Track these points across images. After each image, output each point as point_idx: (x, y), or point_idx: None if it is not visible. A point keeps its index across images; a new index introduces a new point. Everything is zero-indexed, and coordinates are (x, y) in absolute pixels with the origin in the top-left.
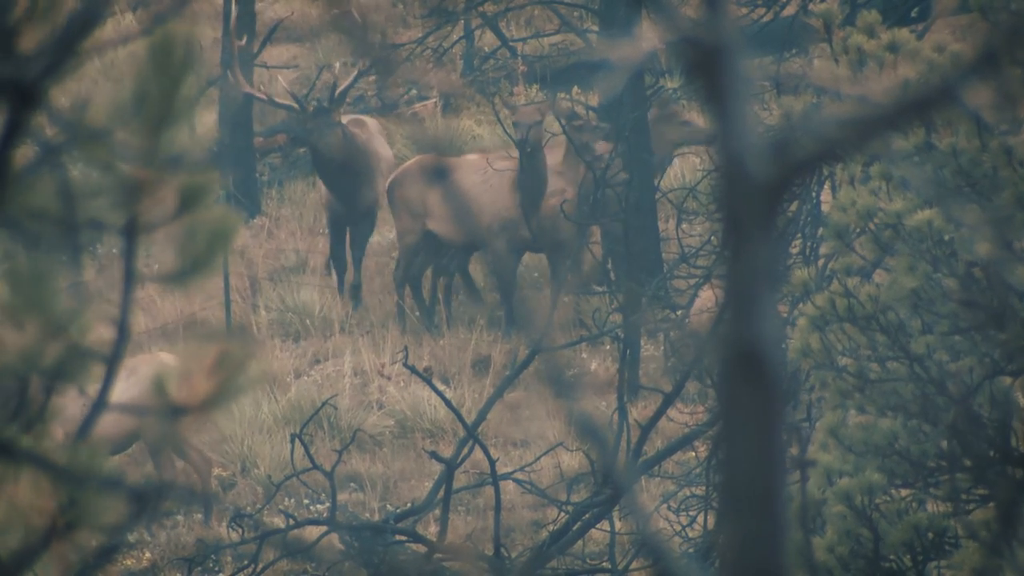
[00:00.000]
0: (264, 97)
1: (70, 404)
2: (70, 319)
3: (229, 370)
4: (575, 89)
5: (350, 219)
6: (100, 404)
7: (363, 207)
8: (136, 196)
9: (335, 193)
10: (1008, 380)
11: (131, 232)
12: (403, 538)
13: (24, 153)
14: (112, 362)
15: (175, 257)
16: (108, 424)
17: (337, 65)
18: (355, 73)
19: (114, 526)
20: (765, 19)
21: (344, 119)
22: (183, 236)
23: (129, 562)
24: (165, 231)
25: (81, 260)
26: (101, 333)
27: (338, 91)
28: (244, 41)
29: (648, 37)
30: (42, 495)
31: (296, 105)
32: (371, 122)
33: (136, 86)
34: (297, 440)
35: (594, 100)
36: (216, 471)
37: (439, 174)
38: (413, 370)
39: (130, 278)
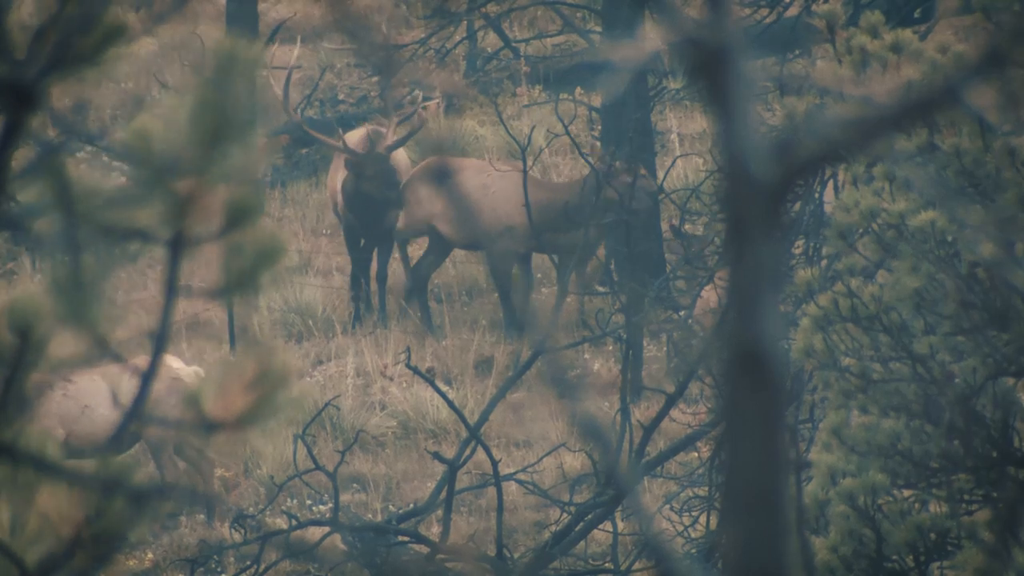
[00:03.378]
0: (327, 140)
1: (68, 404)
2: (100, 322)
3: (268, 388)
4: (578, 90)
5: (369, 239)
6: (134, 413)
7: (386, 228)
8: (184, 210)
9: (361, 220)
10: (1011, 381)
11: (177, 246)
12: (406, 539)
13: (24, 154)
14: (148, 373)
15: (219, 273)
16: (109, 424)
17: (339, 66)
18: (420, 119)
19: (122, 528)
20: (768, 20)
21: (365, 129)
22: (229, 253)
23: (132, 563)
24: (211, 246)
25: (99, 263)
26: (115, 336)
27: (395, 139)
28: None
29: (651, 38)
30: (69, 505)
31: (367, 146)
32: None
33: (195, 99)
34: (300, 441)
35: (597, 101)
36: (219, 472)
37: (449, 175)
38: (416, 371)
39: (171, 290)
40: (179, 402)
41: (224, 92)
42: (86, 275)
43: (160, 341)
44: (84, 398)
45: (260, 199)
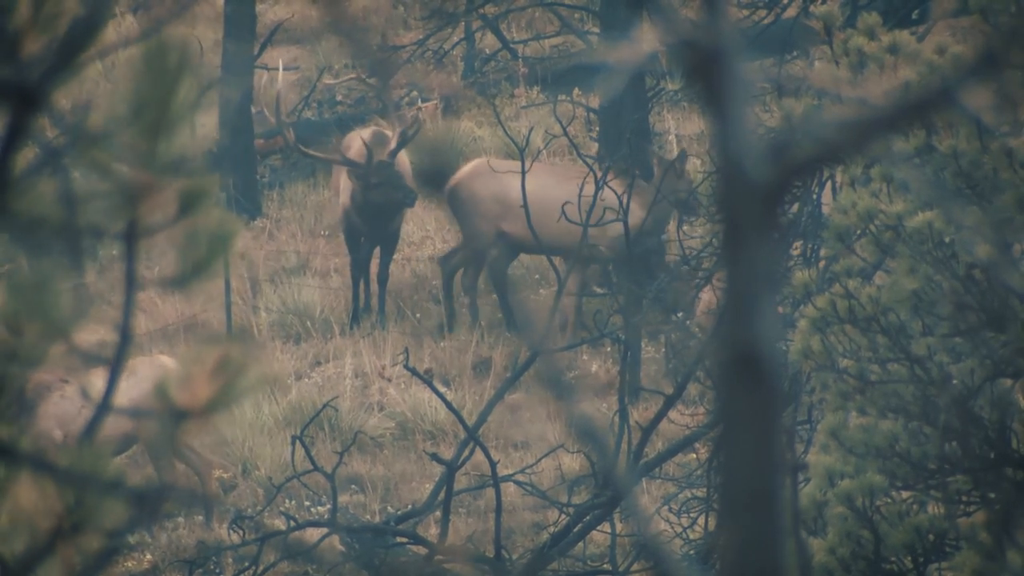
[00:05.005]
0: (324, 156)
1: (65, 404)
2: (71, 322)
3: (231, 374)
4: (576, 91)
5: (373, 239)
6: (104, 408)
7: (391, 229)
8: (135, 200)
9: (367, 224)
10: (1008, 382)
11: (131, 237)
12: (404, 540)
13: (25, 156)
14: (115, 366)
15: (176, 261)
16: (107, 426)
17: (337, 67)
18: (414, 120)
19: (118, 528)
20: (766, 21)
21: (365, 132)
22: (184, 240)
23: (130, 564)
24: (165, 235)
25: (82, 263)
26: (101, 335)
27: (396, 144)
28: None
29: (648, 39)
30: (47, 498)
31: (363, 158)
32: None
33: (133, 90)
34: (298, 442)
35: (595, 102)
36: (217, 473)
37: (512, 175)
38: (414, 372)
39: (131, 283)
40: (154, 393)
41: (156, 81)
42: (52, 275)
43: (124, 333)
44: (81, 399)
45: (210, 184)
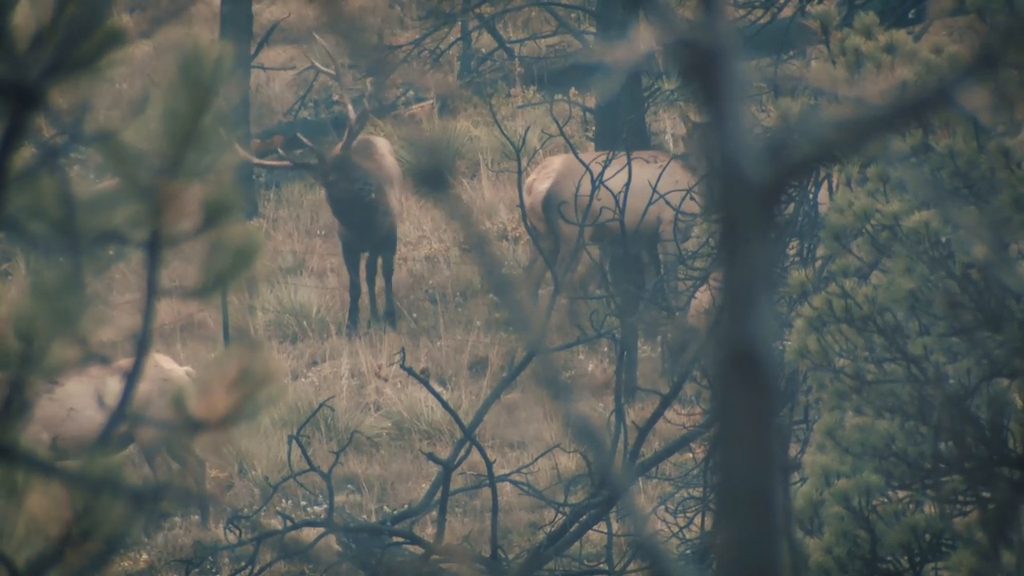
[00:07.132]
0: (277, 163)
1: (53, 407)
2: (85, 324)
3: (250, 387)
4: (572, 91)
5: (366, 248)
6: (120, 414)
7: (380, 235)
8: (160, 210)
9: (351, 229)
10: (1005, 382)
11: (154, 246)
12: (400, 540)
13: (24, 156)
14: (132, 373)
15: (199, 272)
16: (95, 426)
17: (334, 66)
18: (361, 112)
19: (120, 530)
20: (763, 21)
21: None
22: (207, 252)
23: (126, 564)
24: (189, 246)
25: (82, 265)
26: (102, 338)
27: (346, 138)
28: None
29: (645, 39)
30: (58, 504)
31: (315, 159)
32: (381, 143)
33: (165, 100)
34: (294, 442)
35: (591, 102)
36: (213, 473)
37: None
38: (410, 372)
39: (152, 291)
40: (168, 403)
41: (191, 92)
42: (67, 278)
43: (143, 342)
44: (70, 401)
45: (236, 197)
